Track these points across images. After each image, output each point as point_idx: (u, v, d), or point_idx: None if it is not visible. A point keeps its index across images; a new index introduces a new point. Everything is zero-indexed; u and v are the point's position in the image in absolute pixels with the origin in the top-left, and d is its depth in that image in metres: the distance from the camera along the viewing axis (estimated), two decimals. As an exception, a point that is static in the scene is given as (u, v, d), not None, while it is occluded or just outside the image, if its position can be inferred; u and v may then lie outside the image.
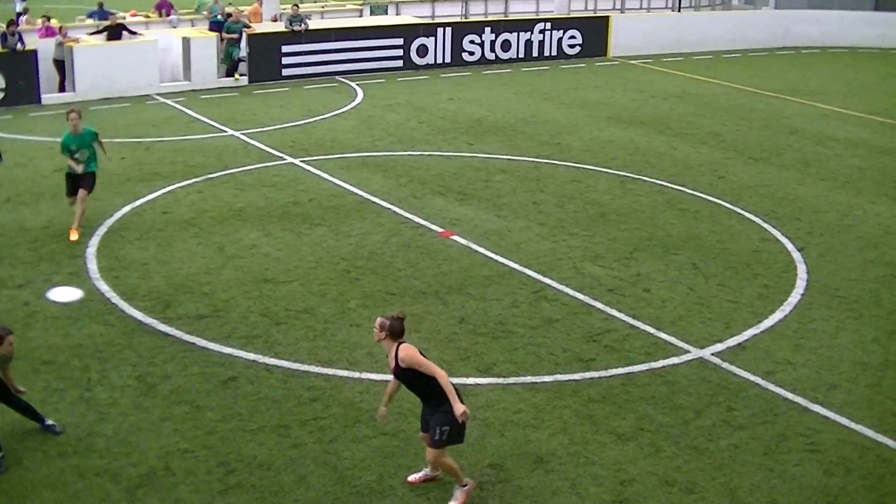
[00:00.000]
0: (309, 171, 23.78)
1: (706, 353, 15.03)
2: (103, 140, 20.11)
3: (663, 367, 14.58)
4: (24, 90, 31.31)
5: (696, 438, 12.78)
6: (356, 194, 21.97)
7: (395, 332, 10.99)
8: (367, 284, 17.25)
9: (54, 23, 35.75)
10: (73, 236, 19.19)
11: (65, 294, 16.20)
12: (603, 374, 14.33)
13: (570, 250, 18.98)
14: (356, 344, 14.94)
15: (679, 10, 49.51)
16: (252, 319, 15.78)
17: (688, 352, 15.05)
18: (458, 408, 10.63)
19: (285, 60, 35.07)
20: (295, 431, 12.68)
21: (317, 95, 32.85)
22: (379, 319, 11.06)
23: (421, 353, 10.98)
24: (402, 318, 11.05)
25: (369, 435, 12.61)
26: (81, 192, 19.43)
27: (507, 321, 15.89)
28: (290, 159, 24.70)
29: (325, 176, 23.28)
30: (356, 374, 14.09)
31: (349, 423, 12.87)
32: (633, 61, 40.45)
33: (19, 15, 39.32)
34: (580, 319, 16.02)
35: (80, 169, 19.48)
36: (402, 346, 10.96)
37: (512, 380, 14.08)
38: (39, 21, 36.44)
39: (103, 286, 17.08)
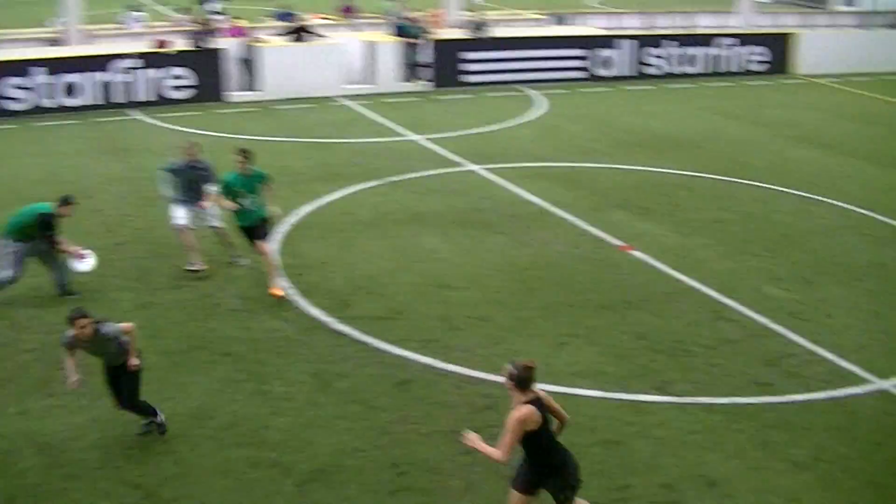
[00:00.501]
0: (489, 178, 23.82)
1: (889, 384, 14.56)
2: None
3: (844, 396, 14.14)
4: (213, 87, 32.11)
5: (876, 473, 12.37)
6: (536, 204, 21.92)
7: (522, 381, 9.74)
8: (545, 295, 17.18)
9: (243, 23, 36.61)
10: (278, 292, 16.91)
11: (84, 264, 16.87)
12: (781, 399, 13.97)
13: (752, 271, 18.60)
14: (532, 354, 14.78)
15: (869, 28, 48.21)
16: (429, 324, 15.85)
17: (870, 382, 14.58)
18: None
19: (468, 67, 35.22)
20: (466, 437, 12.68)
21: (498, 103, 32.92)
22: (507, 367, 9.83)
23: (523, 421, 9.70)
24: (530, 368, 9.76)
25: (541, 446, 12.52)
26: (261, 246, 17.09)
27: (685, 339, 15.63)
28: (470, 166, 24.79)
29: (506, 184, 23.29)
30: (530, 385, 14.01)
31: (521, 433, 12.80)
32: (819, 80, 39.51)
33: (212, 14, 40.23)
34: (759, 342, 15.67)
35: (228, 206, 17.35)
36: (519, 407, 9.75)
37: (688, 399, 13.84)
38: (227, 21, 37.30)
39: (285, 283, 17.35)
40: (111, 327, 12.12)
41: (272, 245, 18.16)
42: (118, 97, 31.30)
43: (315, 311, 16.25)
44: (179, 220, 17.88)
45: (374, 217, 20.82)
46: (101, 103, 31.11)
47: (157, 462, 12.04)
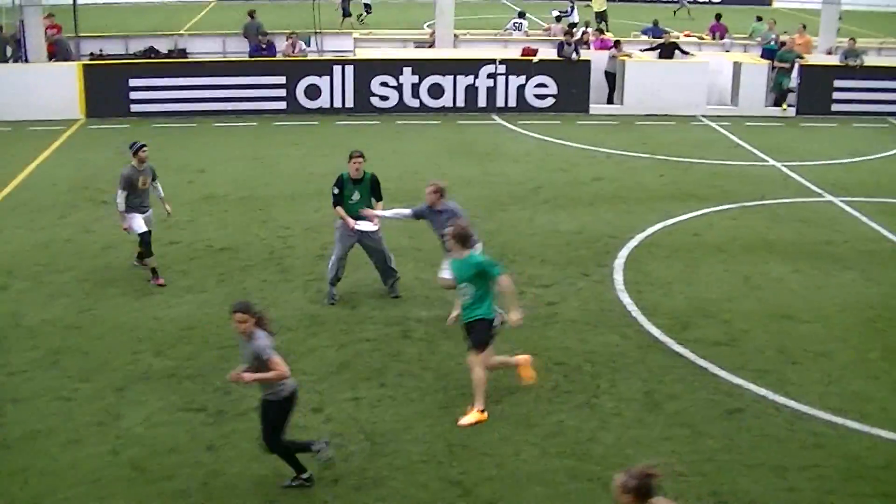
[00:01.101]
0: (847, 211, 22.90)
1: None
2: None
3: None
4: (575, 99, 32.29)
5: None
6: (894, 242, 20.91)
7: (642, 491, 8.15)
8: (892, 336, 16.33)
9: (609, 36, 36.66)
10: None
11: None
12: None
13: None
14: (870, 397, 14.15)
15: None
16: (767, 354, 15.35)
17: None
18: None
19: (837, 95, 33.98)
20: (792, 475, 12.15)
21: (865, 134, 31.61)
22: (620, 479, 8.17)
23: None
24: (650, 476, 8.17)
25: (868, 493, 11.88)
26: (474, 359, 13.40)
27: None
28: (829, 197, 23.90)
29: (864, 219, 22.31)
30: (865, 428, 13.30)
31: (850, 477, 12.17)
32: None
33: (573, 25, 40.56)
34: None
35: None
36: None
37: None
38: (595, 33, 37.44)
39: (626, 298, 17.21)
40: (262, 342, 11.03)
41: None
42: (481, 101, 31.95)
43: (653, 330, 16.03)
44: None
45: (722, 241, 20.38)
46: (462, 106, 31.84)
47: (479, 462, 12.13)
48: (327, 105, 31.76)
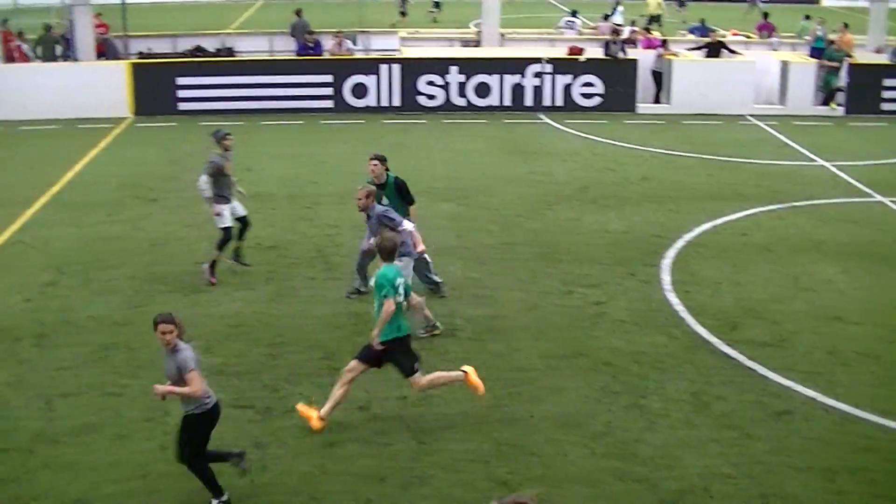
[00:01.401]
0: (897, 211, 22.74)
1: None
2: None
3: None
4: (622, 98, 32.21)
5: None
6: (943, 242, 20.71)
7: None
8: (945, 338, 16.18)
9: (656, 35, 36.51)
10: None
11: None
12: None
13: None
14: (922, 400, 14.05)
15: None
16: (816, 356, 15.22)
17: None
18: None
19: (886, 94, 33.65)
20: (842, 478, 12.04)
21: (916, 134, 31.34)
22: None
23: None
24: None
25: (923, 498, 11.80)
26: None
27: None
28: (878, 197, 23.68)
29: (913, 219, 22.15)
30: (917, 431, 13.23)
31: (902, 481, 12.11)
32: None
33: (620, 25, 40.46)
34: None
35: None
36: None
37: None
38: (641, 32, 37.32)
39: (673, 298, 17.13)
40: (186, 353, 10.78)
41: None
42: (527, 100, 31.91)
43: (701, 330, 15.94)
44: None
45: (770, 241, 20.24)
46: (509, 105, 31.82)
47: (526, 462, 12.11)
48: (374, 104, 31.85)
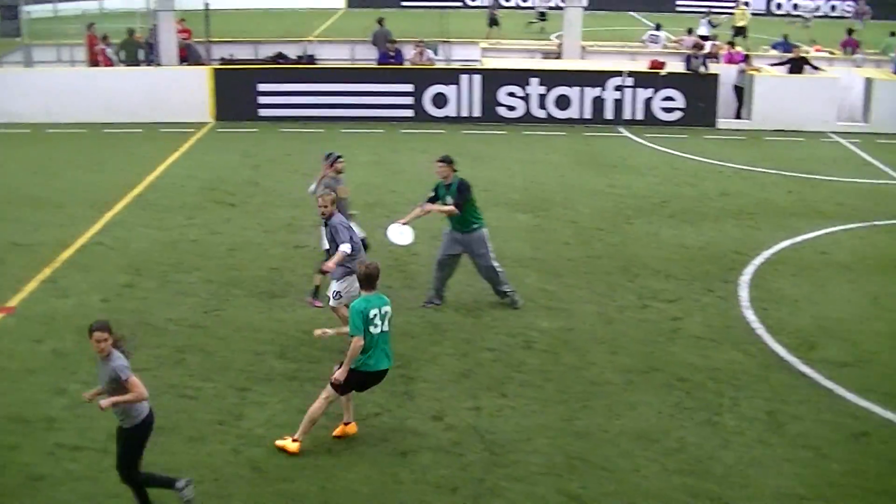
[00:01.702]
0: (982, 232, 22.33)
1: None
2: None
3: None
4: (703, 112, 31.97)
5: None
6: None
7: None
8: None
9: (739, 49, 36.20)
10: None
11: (399, 235, 16.48)
12: None
13: None
14: None
15: None
16: (896, 377, 15.02)
17: None
18: None
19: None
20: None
21: None
22: None
23: None
24: None
25: None
26: None
27: None
28: (961, 217, 23.32)
29: None
30: None
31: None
32: None
33: (704, 38, 40.16)
34: None
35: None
36: None
37: None
38: (725, 47, 37.04)
39: (751, 315, 16.96)
40: (121, 362, 10.66)
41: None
42: (607, 113, 31.79)
43: (778, 349, 15.76)
44: None
45: (851, 259, 19.97)
46: (589, 118, 31.72)
47: (599, 476, 12.03)
48: (454, 113, 31.88)
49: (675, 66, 32.99)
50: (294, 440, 12.48)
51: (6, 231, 20.95)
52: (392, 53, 34.39)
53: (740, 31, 47.35)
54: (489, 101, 31.83)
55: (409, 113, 31.96)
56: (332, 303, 15.08)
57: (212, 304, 17.07)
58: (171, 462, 12.15)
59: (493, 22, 52.12)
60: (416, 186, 24.03)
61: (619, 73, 31.96)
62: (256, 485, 11.74)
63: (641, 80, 31.92)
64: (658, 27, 43.36)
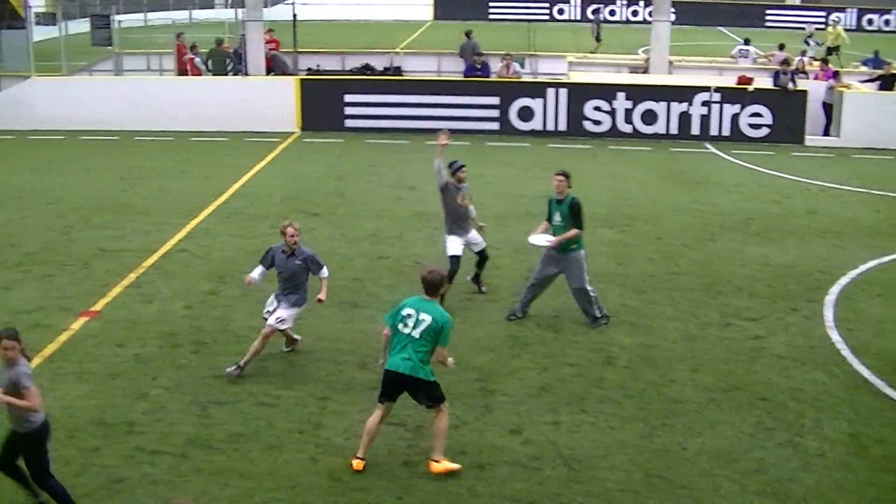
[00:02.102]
0: None
1: None
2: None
3: None
4: (791, 129, 31.64)
5: None
6: None
7: None
8: None
9: (829, 66, 35.79)
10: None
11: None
12: None
13: None
14: None
15: None
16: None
17: None
18: None
19: None
20: None
21: None
22: None
23: None
24: None
25: None
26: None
27: None
28: None
29: None
30: None
31: None
32: None
33: (803, 53, 39.80)
34: None
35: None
36: None
37: None
38: (816, 64, 36.66)
39: (835, 336, 16.72)
40: (24, 369, 10.70)
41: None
42: (694, 129, 31.57)
43: (863, 370, 15.51)
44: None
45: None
46: (675, 133, 31.53)
47: (677, 495, 11.92)
48: (540, 127, 31.86)
49: (764, 82, 32.71)
50: (436, 461, 12.37)
51: (93, 237, 21.29)
52: (479, 66, 34.47)
53: (833, 50, 46.82)
54: (575, 115, 31.77)
55: (495, 126, 31.99)
56: (278, 326, 15.08)
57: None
58: (249, 469, 12.27)
59: (598, 37, 51.91)
60: (502, 200, 24.12)
61: (706, 89, 31.74)
62: (333, 494, 11.78)
63: (728, 95, 31.66)
64: (747, 42, 43.01)
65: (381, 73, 37.31)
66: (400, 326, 12.21)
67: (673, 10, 39.00)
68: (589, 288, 16.85)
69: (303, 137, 31.53)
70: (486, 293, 18.28)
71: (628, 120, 31.68)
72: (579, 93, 31.94)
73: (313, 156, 29.12)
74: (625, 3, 69.77)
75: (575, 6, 70.03)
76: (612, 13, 69.59)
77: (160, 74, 39.38)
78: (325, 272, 15.24)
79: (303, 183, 25.94)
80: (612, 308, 17.47)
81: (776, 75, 32.31)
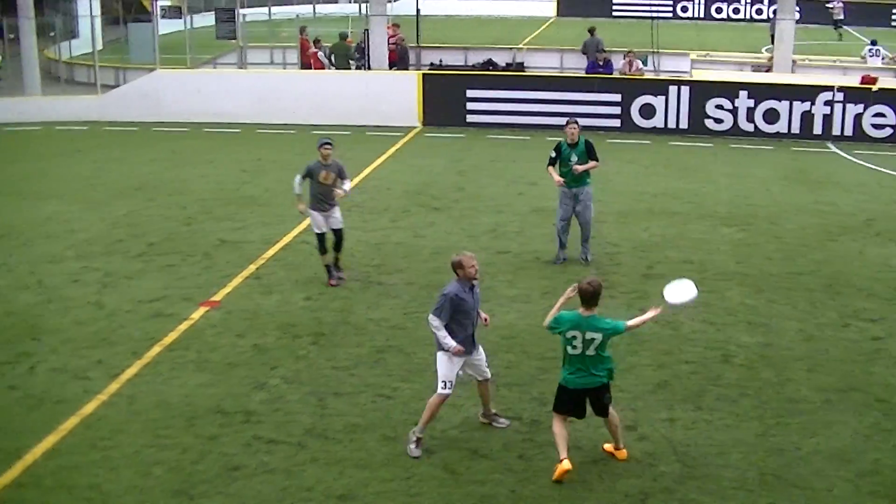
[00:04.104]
0: None
1: None
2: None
3: None
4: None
5: None
6: None
7: None
8: None
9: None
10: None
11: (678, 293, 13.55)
12: None
13: None
14: None
15: None
16: None
17: None
18: None
19: None
20: None
21: None
22: None
23: None
24: None
25: None
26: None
27: None
28: None
29: None
30: None
31: None
32: None
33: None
34: None
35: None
36: None
37: None
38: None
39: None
40: None
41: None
42: (816, 128, 31.21)
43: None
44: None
45: None
46: (797, 132, 31.19)
47: (791, 494, 11.84)
48: (661, 125, 31.76)
49: (889, 81, 32.21)
50: (619, 449, 12.60)
51: (215, 228, 21.81)
52: (601, 63, 34.47)
53: None
54: (697, 113, 31.61)
55: (616, 123, 31.99)
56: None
57: (412, 307, 17.42)
58: (365, 459, 12.50)
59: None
60: (622, 197, 24.16)
61: (829, 88, 31.36)
62: (447, 486, 11.96)
63: (852, 95, 31.23)
64: (874, 42, 42.35)
65: (503, 69, 37.49)
66: (569, 349, 12.09)
67: (798, 8, 38.53)
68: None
69: (425, 132, 31.84)
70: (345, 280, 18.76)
71: (750, 119, 31.41)
72: (701, 91, 31.77)
73: (435, 150, 29.39)
74: (749, 1, 68.84)
75: (699, 3, 69.34)
76: (736, 11, 68.78)
77: (284, 68, 40.05)
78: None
79: (424, 177, 26.22)
80: (732, 306, 17.45)
81: (903, 74, 31.86)
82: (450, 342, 12.57)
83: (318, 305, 17.50)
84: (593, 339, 12.01)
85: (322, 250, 18.63)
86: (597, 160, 19.59)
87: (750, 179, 26.47)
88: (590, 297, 12.00)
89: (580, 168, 19.29)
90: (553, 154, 19.56)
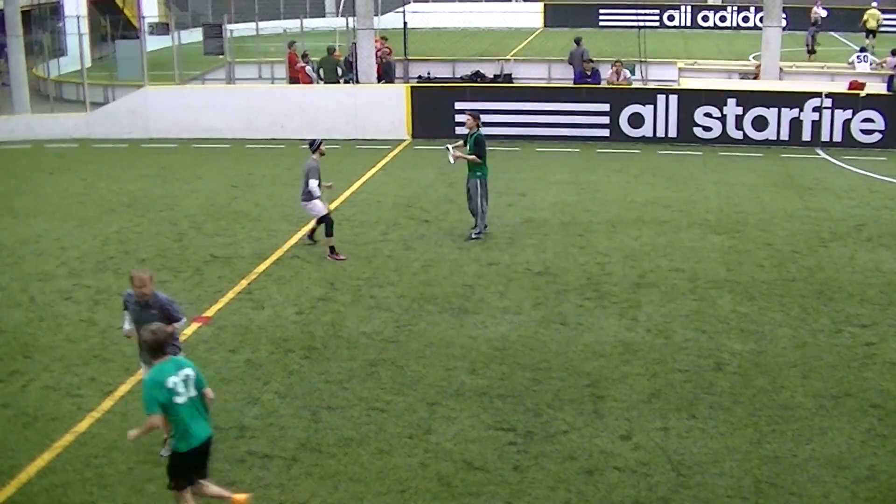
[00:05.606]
0: None
1: None
2: None
3: None
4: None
5: None
6: None
7: None
8: None
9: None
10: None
11: None
12: None
13: None
14: None
15: None
16: None
17: None
18: None
19: None
20: None
21: None
22: None
23: None
24: None
25: None
26: None
27: None
28: None
29: None
30: None
31: None
32: None
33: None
34: None
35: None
36: None
37: None
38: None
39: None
40: None
41: None
42: (805, 135, 31.25)
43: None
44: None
45: None
46: (786, 139, 31.24)
47: (787, 502, 11.85)
48: (650, 134, 31.75)
49: (876, 87, 32.28)
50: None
51: (205, 243, 21.77)
52: (588, 73, 34.52)
53: None
54: (685, 122, 31.61)
55: (605, 133, 31.97)
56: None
57: (405, 319, 17.41)
58: (359, 473, 12.49)
59: (811, 49, 50.81)
60: (611, 206, 24.16)
61: (817, 94, 31.42)
62: (442, 499, 11.95)
63: (840, 101, 31.28)
64: (863, 49, 42.44)
65: (491, 81, 37.57)
66: (176, 399, 10.77)
67: (784, 15, 38.61)
68: (483, 210, 21.93)
69: (413, 144, 31.84)
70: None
71: (739, 126, 31.42)
72: (689, 99, 31.79)
73: (424, 162, 29.38)
74: (735, 8, 68.97)
75: (685, 12, 69.44)
76: (723, 19, 68.93)
77: (272, 83, 40.05)
78: (181, 323, 13.21)
79: (413, 190, 26.21)
80: (723, 314, 17.46)
81: (889, 80, 31.88)
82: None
83: (310, 319, 17.48)
84: (189, 376, 10.94)
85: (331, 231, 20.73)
86: (480, 154, 21.76)
87: (739, 187, 26.48)
88: (159, 345, 10.87)
89: (458, 154, 22.16)
90: (460, 143, 22.57)
